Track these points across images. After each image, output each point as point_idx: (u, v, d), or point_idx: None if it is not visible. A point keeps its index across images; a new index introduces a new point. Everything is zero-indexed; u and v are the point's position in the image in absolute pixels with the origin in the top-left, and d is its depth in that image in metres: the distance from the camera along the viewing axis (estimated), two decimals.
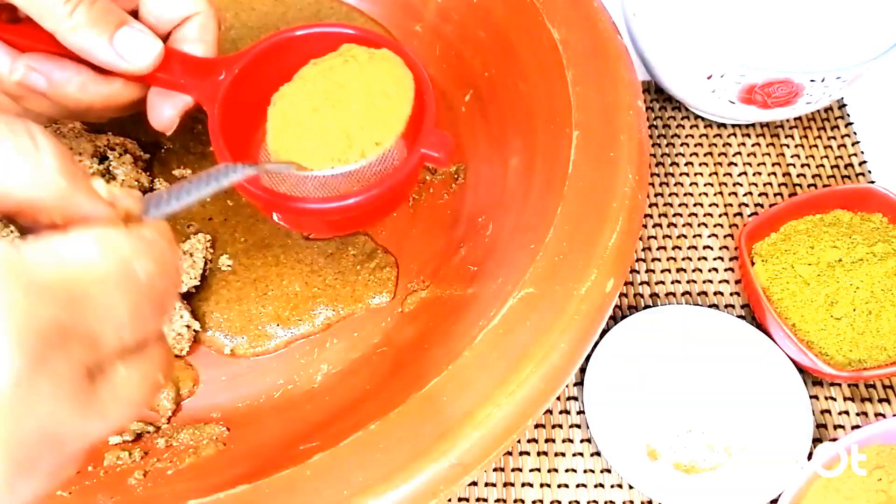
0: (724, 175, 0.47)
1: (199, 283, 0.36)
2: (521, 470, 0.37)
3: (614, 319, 0.40)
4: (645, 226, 0.45)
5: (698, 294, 0.42)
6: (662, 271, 0.43)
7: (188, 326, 0.34)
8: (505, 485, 0.36)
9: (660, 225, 0.45)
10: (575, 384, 0.39)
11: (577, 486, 0.36)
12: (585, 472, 0.37)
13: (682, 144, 0.48)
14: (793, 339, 0.35)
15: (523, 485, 0.36)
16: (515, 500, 0.36)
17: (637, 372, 0.38)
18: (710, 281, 0.42)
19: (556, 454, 0.37)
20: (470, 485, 0.36)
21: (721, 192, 0.46)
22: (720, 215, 0.45)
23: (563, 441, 0.37)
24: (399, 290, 0.36)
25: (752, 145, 0.48)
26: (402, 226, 0.38)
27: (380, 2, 0.45)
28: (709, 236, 0.44)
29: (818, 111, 0.49)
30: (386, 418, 0.26)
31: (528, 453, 0.37)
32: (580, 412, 0.38)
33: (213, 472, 0.30)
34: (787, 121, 0.48)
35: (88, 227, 0.17)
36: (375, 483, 0.24)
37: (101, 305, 0.16)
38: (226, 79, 0.30)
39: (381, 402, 0.27)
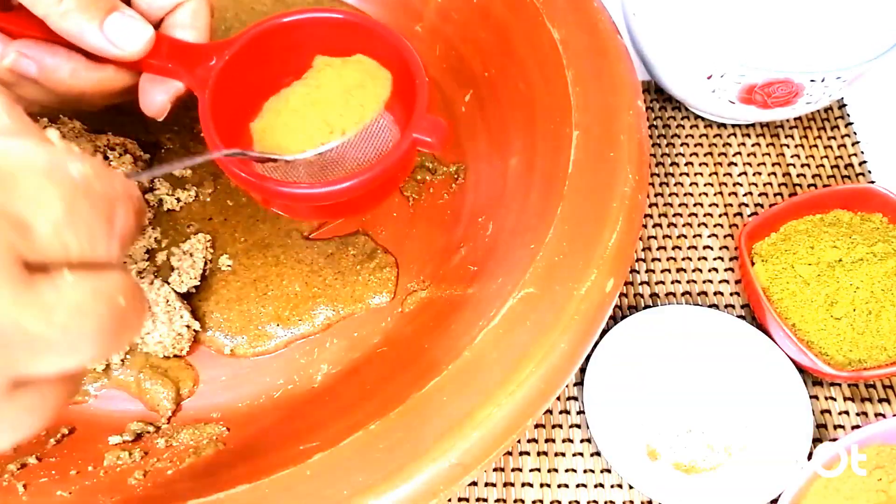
0: (724, 175, 0.47)
1: (199, 283, 0.36)
2: (521, 470, 0.37)
3: (614, 319, 0.40)
4: (645, 226, 0.45)
5: (698, 294, 0.42)
6: (662, 271, 0.43)
7: (188, 326, 0.34)
8: (505, 485, 0.36)
9: (660, 225, 0.45)
10: (575, 384, 0.39)
11: (577, 486, 0.36)
12: (585, 472, 0.37)
13: (682, 144, 0.48)
14: (793, 339, 0.35)
15: (523, 485, 0.36)
16: (515, 500, 0.36)
17: (637, 372, 0.38)
18: (710, 281, 0.42)
19: (556, 454, 0.37)
20: (470, 485, 0.36)
21: (721, 192, 0.46)
22: (720, 215, 0.45)
23: (563, 441, 0.37)
24: (399, 290, 0.36)
25: (752, 145, 0.48)
26: (402, 226, 0.38)
27: (380, 2, 0.45)
28: (709, 236, 0.44)
29: (818, 111, 0.49)
30: (386, 418, 0.26)
31: (528, 453, 0.37)
32: (580, 412, 0.38)
33: (213, 472, 0.30)
34: (787, 121, 0.48)
35: None
36: (375, 483, 0.24)
37: (30, 188, 0.15)
38: (217, 65, 0.30)
39: (381, 402, 0.27)
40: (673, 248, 0.44)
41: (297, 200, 0.31)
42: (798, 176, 0.46)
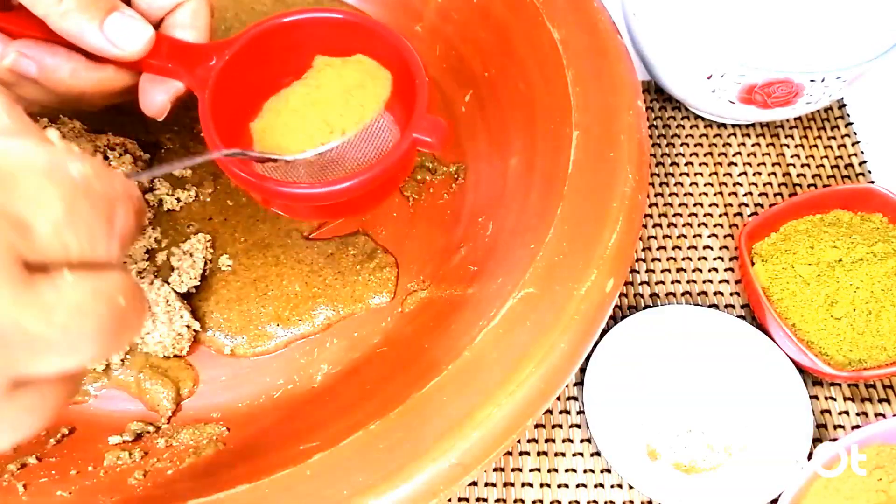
0: (724, 175, 0.47)
1: (199, 283, 0.36)
2: (521, 470, 0.37)
3: (614, 319, 0.40)
4: (645, 226, 0.45)
5: (698, 294, 0.42)
6: (662, 271, 0.43)
7: (188, 326, 0.34)
8: (505, 485, 0.36)
9: (660, 225, 0.45)
10: (575, 384, 0.39)
11: (577, 486, 0.36)
12: (585, 472, 0.37)
13: (682, 144, 0.48)
14: (793, 339, 0.35)
15: (523, 485, 0.36)
16: (515, 500, 0.36)
17: (637, 372, 0.38)
18: (710, 281, 0.42)
19: (556, 454, 0.37)
20: (470, 485, 0.36)
21: (721, 192, 0.46)
22: (720, 215, 0.45)
23: (563, 441, 0.37)
24: (399, 290, 0.36)
25: (752, 145, 0.48)
26: (402, 226, 0.38)
27: (380, 2, 0.45)
28: (709, 236, 0.44)
29: (818, 111, 0.49)
30: (386, 418, 0.26)
31: (528, 453, 0.37)
32: (580, 412, 0.38)
33: (213, 472, 0.30)
34: (787, 121, 0.48)
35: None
36: (375, 483, 0.24)
37: (30, 188, 0.15)
38: (217, 65, 0.30)
39: (381, 402, 0.27)
40: (673, 248, 0.44)
41: (297, 200, 0.31)
42: (798, 176, 0.46)
